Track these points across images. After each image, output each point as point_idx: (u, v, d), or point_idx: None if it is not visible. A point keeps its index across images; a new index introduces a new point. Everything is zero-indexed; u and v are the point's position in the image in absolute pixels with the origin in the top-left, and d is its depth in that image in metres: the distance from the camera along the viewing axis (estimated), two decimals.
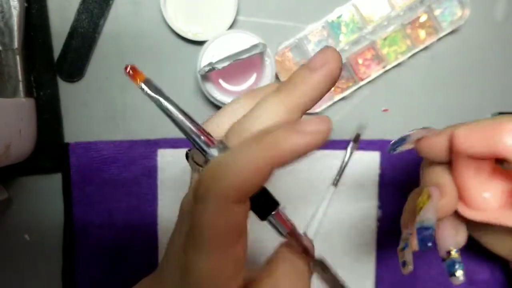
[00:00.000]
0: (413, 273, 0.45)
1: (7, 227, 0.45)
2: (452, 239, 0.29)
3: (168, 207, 0.44)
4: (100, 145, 0.44)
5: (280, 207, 0.22)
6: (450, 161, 0.30)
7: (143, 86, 0.20)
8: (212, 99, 0.42)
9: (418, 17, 0.44)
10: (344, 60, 0.44)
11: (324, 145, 0.47)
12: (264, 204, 0.21)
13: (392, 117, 0.45)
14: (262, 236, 0.44)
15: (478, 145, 0.27)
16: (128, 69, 0.20)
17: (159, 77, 0.45)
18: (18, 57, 0.42)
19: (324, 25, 0.44)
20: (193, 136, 0.21)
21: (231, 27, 0.43)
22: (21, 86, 0.42)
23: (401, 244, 0.30)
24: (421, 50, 0.44)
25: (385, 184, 0.45)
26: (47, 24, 0.44)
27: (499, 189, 0.29)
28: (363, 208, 0.45)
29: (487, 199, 0.29)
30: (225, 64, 0.39)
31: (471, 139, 0.27)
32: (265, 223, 0.22)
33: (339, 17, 0.44)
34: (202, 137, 0.21)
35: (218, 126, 0.24)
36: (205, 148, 0.21)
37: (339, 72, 0.22)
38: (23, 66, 0.42)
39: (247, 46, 0.40)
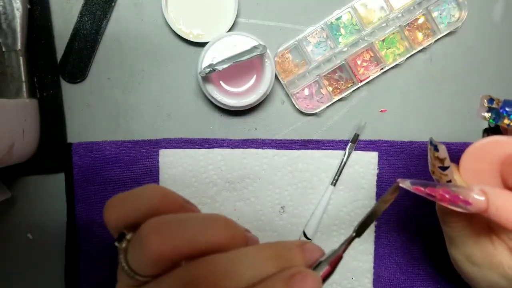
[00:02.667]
0: (410, 272, 0.45)
1: (11, 226, 0.46)
2: None
3: None
4: (102, 145, 0.44)
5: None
6: None
7: None
8: (213, 100, 0.43)
9: (416, 19, 0.45)
10: (343, 62, 0.45)
11: (323, 146, 0.48)
12: None
13: (390, 117, 0.46)
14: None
15: None
16: None
17: (160, 78, 0.45)
18: (21, 58, 0.42)
19: (323, 27, 0.44)
20: None
21: (231, 29, 0.44)
22: (24, 87, 0.43)
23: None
24: (419, 52, 0.45)
25: (382, 184, 0.45)
26: (50, 25, 0.44)
27: None
28: (361, 207, 0.45)
29: None
30: (226, 65, 0.39)
31: None
32: None
33: (338, 19, 0.44)
34: None
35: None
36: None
37: None
38: (26, 67, 0.43)
39: (247, 48, 0.40)
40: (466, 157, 0.32)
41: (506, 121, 0.30)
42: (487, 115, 0.30)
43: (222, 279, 0.20)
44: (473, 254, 0.33)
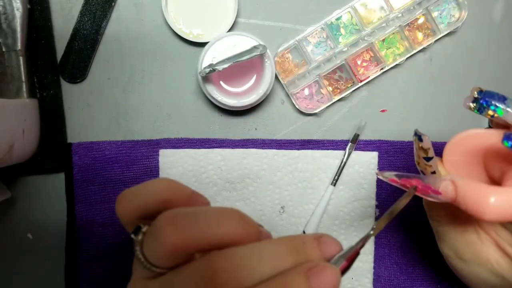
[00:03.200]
0: (410, 272, 0.45)
1: (11, 226, 0.46)
2: None
3: None
4: (102, 145, 0.44)
5: None
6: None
7: None
8: (213, 100, 0.43)
9: (416, 19, 0.45)
10: (343, 62, 0.45)
11: (323, 146, 0.48)
12: None
13: (390, 117, 0.46)
14: None
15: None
16: None
17: (160, 78, 0.45)
18: (21, 58, 0.42)
19: (323, 27, 0.44)
20: None
21: (231, 29, 0.44)
22: (24, 87, 0.43)
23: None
24: (419, 52, 0.45)
25: (382, 184, 0.45)
26: (50, 25, 0.44)
27: None
28: (361, 207, 0.45)
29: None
30: (226, 65, 0.39)
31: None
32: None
33: (338, 19, 0.44)
34: None
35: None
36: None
37: None
38: (26, 67, 0.43)
39: (247, 48, 0.40)
40: (448, 150, 0.33)
41: (490, 112, 0.30)
42: (472, 105, 0.31)
43: (239, 272, 0.20)
44: (461, 250, 0.34)
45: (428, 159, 0.31)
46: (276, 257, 0.21)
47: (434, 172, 0.31)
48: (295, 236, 0.22)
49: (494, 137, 0.31)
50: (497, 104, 0.30)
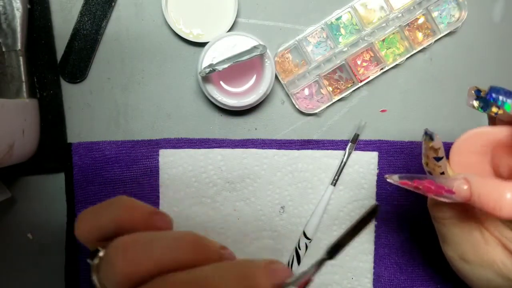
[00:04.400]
0: (410, 272, 0.45)
1: (10, 227, 0.46)
2: None
3: (169, 207, 0.45)
4: (102, 145, 0.44)
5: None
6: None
7: None
8: (213, 100, 0.43)
9: (416, 19, 0.45)
10: (343, 62, 0.45)
11: (323, 146, 0.48)
12: None
13: (390, 117, 0.46)
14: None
15: None
16: None
17: (160, 78, 0.45)
18: (21, 58, 0.42)
19: (323, 27, 0.44)
20: None
21: (231, 29, 0.44)
22: (24, 87, 0.43)
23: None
24: (419, 52, 0.45)
25: (382, 184, 0.45)
26: (50, 25, 0.44)
27: None
28: (361, 207, 0.45)
29: None
30: (226, 65, 0.39)
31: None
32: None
33: (338, 19, 0.44)
34: None
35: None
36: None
37: None
38: (26, 67, 0.43)
39: (247, 48, 0.40)
40: (455, 150, 0.33)
41: (494, 109, 0.30)
42: (476, 103, 0.30)
43: None
44: (465, 252, 0.33)
45: (438, 159, 0.30)
46: (222, 284, 0.20)
47: (442, 173, 0.31)
48: (243, 262, 0.22)
49: (503, 132, 0.30)
50: (505, 99, 0.29)
